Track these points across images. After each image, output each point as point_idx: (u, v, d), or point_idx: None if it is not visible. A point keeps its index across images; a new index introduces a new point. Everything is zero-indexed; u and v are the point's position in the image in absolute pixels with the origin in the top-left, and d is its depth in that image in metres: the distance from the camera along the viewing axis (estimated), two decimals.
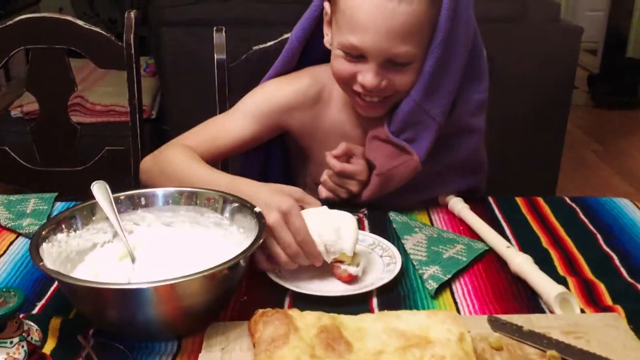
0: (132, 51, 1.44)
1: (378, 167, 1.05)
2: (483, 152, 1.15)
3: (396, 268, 0.88)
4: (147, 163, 1.09)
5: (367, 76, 0.97)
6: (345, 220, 0.87)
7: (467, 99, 1.05)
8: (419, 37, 0.95)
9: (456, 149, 1.08)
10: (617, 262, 0.92)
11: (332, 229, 0.85)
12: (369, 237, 0.97)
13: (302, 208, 0.87)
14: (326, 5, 1.04)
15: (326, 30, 1.06)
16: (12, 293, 0.65)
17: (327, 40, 1.06)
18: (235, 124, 1.10)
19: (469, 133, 1.09)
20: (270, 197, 0.86)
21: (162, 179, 1.02)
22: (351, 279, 0.87)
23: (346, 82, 1.01)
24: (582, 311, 0.81)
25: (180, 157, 1.03)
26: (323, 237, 0.85)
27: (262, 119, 1.10)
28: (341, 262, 0.87)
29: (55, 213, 1.06)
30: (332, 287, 0.86)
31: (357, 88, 1.01)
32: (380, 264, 0.91)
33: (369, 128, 1.08)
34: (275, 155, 1.25)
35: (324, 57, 1.08)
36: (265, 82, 1.16)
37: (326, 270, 0.89)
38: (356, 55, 0.97)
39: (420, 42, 0.96)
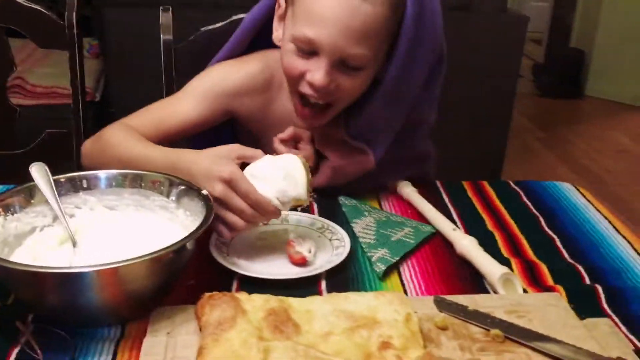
0: (75, 31, 1.39)
1: (331, 161, 1.03)
2: (429, 141, 1.17)
3: (345, 251, 0.88)
4: (87, 146, 1.06)
5: (317, 74, 0.92)
6: (292, 164, 0.85)
7: (423, 98, 1.06)
8: (376, 41, 0.93)
9: (407, 142, 1.09)
10: (558, 244, 0.95)
11: (280, 178, 0.84)
12: (318, 221, 0.97)
13: (247, 164, 0.86)
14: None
15: (276, 25, 1.03)
16: None
17: (276, 36, 1.03)
18: (182, 106, 1.07)
19: (420, 126, 1.10)
20: (210, 168, 0.84)
21: (102, 159, 0.99)
22: (302, 262, 0.86)
23: (294, 79, 0.97)
24: (525, 291, 0.82)
25: (119, 134, 1.01)
26: (273, 190, 0.84)
27: (210, 102, 1.07)
28: (297, 206, 0.87)
29: None
30: (280, 271, 0.86)
31: (303, 88, 0.96)
32: (330, 247, 0.91)
33: (321, 129, 1.05)
34: (223, 140, 1.22)
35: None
36: (214, 65, 1.13)
37: (275, 253, 0.89)
38: (308, 50, 0.93)
39: (376, 48, 0.93)
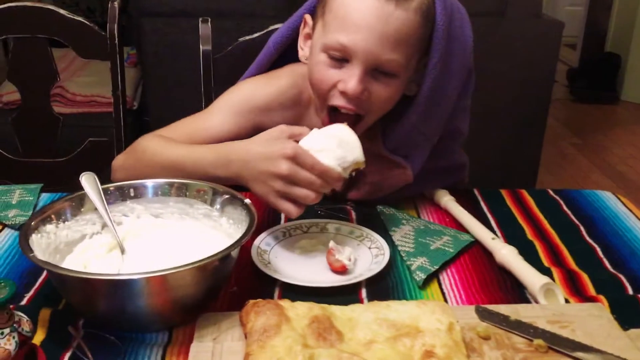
0: (116, 41, 1.43)
1: (369, 177, 1.04)
2: (462, 151, 1.19)
3: (384, 259, 0.89)
4: (120, 161, 1.05)
5: (350, 82, 0.92)
6: (341, 131, 0.89)
7: (457, 107, 1.06)
8: (408, 48, 0.93)
9: (443, 153, 1.10)
10: (600, 253, 0.94)
11: (335, 146, 0.88)
12: (357, 229, 0.98)
13: (296, 141, 0.89)
14: (307, 17, 1.03)
15: (302, 44, 1.04)
16: (2, 284, 0.65)
17: (302, 55, 1.04)
18: (212, 121, 1.07)
19: (455, 137, 1.11)
20: (269, 149, 0.87)
21: (140, 169, 0.99)
22: (343, 270, 0.87)
23: (326, 91, 0.97)
24: (567, 301, 0.82)
25: (157, 143, 1.01)
26: (334, 158, 0.87)
27: (241, 117, 1.07)
28: (356, 172, 0.90)
29: (40, 204, 1.05)
30: (321, 278, 0.87)
31: (335, 100, 0.96)
32: (369, 255, 0.92)
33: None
34: None
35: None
36: (244, 80, 1.14)
37: (315, 261, 0.90)
38: (341, 58, 0.93)
39: (408, 55, 0.94)
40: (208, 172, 0.93)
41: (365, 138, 1.02)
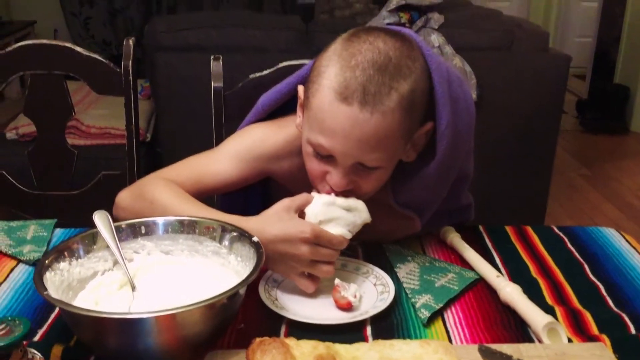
0: (130, 78, 1.46)
1: (378, 226, 1.02)
2: (468, 192, 1.20)
3: (389, 297, 0.90)
4: (127, 200, 1.04)
5: (334, 177, 0.93)
6: (345, 198, 0.93)
7: (466, 156, 1.08)
8: (391, 143, 0.91)
9: (450, 197, 1.10)
10: (603, 291, 0.95)
11: (344, 213, 0.92)
12: (362, 266, 0.99)
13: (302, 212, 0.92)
14: (300, 89, 1.00)
15: (299, 112, 1.01)
16: (17, 322, 0.67)
17: (298, 123, 1.02)
18: (220, 166, 1.08)
19: (463, 181, 1.12)
20: (285, 231, 0.89)
21: (146, 216, 0.96)
22: (348, 307, 0.89)
23: (316, 179, 0.97)
24: (570, 340, 0.83)
25: (167, 193, 1.00)
26: (344, 226, 0.91)
27: (249, 164, 1.08)
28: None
29: (54, 239, 1.08)
30: (327, 315, 0.88)
31: (325, 187, 0.96)
32: (374, 292, 0.94)
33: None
34: (255, 191, 1.21)
35: None
36: (251, 127, 1.13)
37: (321, 297, 0.92)
38: (325, 155, 0.93)
39: (392, 148, 0.93)
40: None
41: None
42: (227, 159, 1.08)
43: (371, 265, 0.99)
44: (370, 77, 0.87)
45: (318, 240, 0.89)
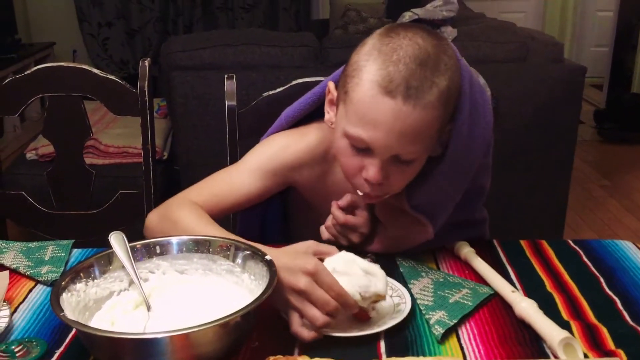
0: (146, 98, 1.48)
1: (390, 231, 1.05)
2: (483, 207, 1.20)
3: (406, 308, 0.91)
4: (154, 221, 1.08)
5: (370, 171, 0.95)
6: (368, 264, 0.90)
7: (480, 166, 1.08)
8: (429, 137, 0.95)
9: (464, 209, 1.11)
10: (619, 305, 0.94)
11: (361, 273, 0.87)
12: None
13: (322, 260, 0.88)
14: (331, 85, 1.04)
15: (327, 108, 1.05)
16: (34, 343, 0.68)
17: (328, 118, 1.05)
18: (242, 181, 1.10)
19: (478, 193, 1.13)
20: (292, 262, 0.86)
21: (173, 234, 0.99)
22: (365, 317, 0.90)
23: (351, 175, 1.00)
24: (586, 356, 0.82)
25: (191, 217, 1.03)
26: (355, 285, 0.87)
27: (270, 176, 1.10)
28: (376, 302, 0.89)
29: (72, 260, 1.09)
30: (343, 325, 0.89)
31: (359, 181, 0.99)
32: (391, 303, 0.94)
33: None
34: (274, 202, 1.23)
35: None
36: (271, 137, 1.16)
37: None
38: (362, 148, 0.95)
39: (428, 143, 0.96)
40: None
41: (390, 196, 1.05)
42: (249, 172, 1.10)
43: (389, 278, 0.99)
44: (412, 72, 0.90)
45: (319, 277, 0.84)
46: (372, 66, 0.92)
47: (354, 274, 0.87)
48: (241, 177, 1.10)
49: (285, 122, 1.17)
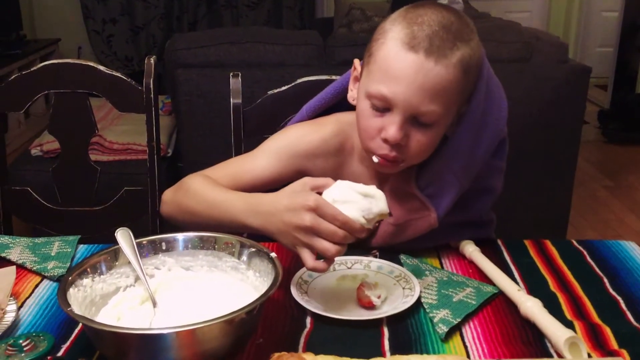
0: (152, 95, 1.49)
1: (394, 218, 1.07)
2: (491, 210, 1.21)
3: (412, 300, 0.93)
4: (169, 194, 1.13)
5: (390, 129, 0.97)
6: (366, 186, 0.92)
7: (491, 165, 1.10)
8: (447, 100, 0.97)
9: (471, 207, 1.12)
10: (623, 305, 0.95)
11: (360, 197, 0.90)
12: (397, 269, 1.02)
13: (320, 193, 0.91)
14: (356, 62, 1.08)
15: (351, 86, 1.10)
16: (41, 337, 0.69)
17: (350, 95, 1.09)
18: (257, 163, 1.13)
19: (486, 194, 1.13)
20: (292, 201, 0.89)
21: (184, 205, 1.07)
22: (369, 305, 0.93)
23: (370, 137, 1.01)
24: (589, 355, 0.83)
25: (200, 183, 1.07)
26: (358, 210, 0.89)
27: (285, 162, 1.12)
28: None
29: (78, 256, 1.10)
30: (348, 312, 0.92)
31: (377, 146, 1.01)
32: (401, 295, 0.96)
33: (386, 182, 1.10)
34: None
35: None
36: (290, 126, 1.19)
37: (349, 295, 0.96)
38: (382, 107, 0.98)
39: (446, 106, 0.98)
40: (238, 219, 0.98)
41: (399, 176, 1.07)
42: (264, 156, 1.13)
43: (405, 270, 1.02)
44: (435, 32, 0.94)
45: (321, 211, 0.87)
46: (396, 27, 0.97)
47: (353, 200, 0.89)
48: (257, 159, 1.13)
49: (307, 114, 1.20)
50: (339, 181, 0.93)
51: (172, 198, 1.12)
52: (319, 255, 0.89)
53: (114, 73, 1.50)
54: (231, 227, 0.99)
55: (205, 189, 1.06)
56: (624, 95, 4.56)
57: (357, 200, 0.90)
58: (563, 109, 2.46)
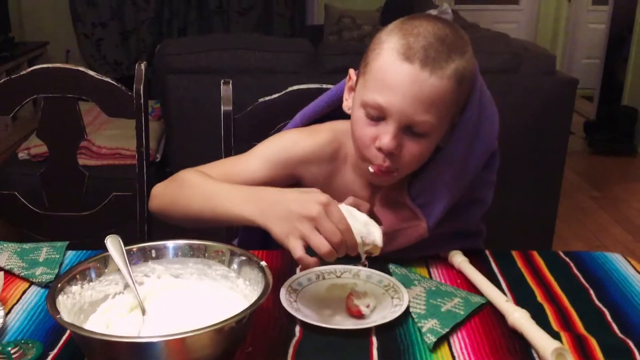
0: (142, 101, 1.49)
1: (385, 227, 1.07)
2: (481, 222, 1.22)
3: (400, 309, 0.93)
4: (159, 188, 1.12)
5: (384, 138, 0.99)
6: (366, 216, 0.93)
7: (482, 177, 1.11)
8: (441, 111, 0.99)
9: (461, 218, 1.13)
10: (608, 317, 0.96)
11: (362, 222, 0.91)
12: (386, 279, 1.03)
13: None
14: (351, 72, 1.10)
15: (346, 95, 1.11)
16: (29, 344, 0.69)
17: (345, 105, 1.11)
18: (250, 166, 1.12)
19: (477, 205, 1.14)
20: (303, 195, 0.90)
21: (179, 197, 1.06)
22: (358, 314, 0.93)
23: (364, 145, 1.02)
24: None
25: (198, 176, 1.07)
26: (356, 229, 0.90)
27: (278, 166, 1.12)
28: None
29: (66, 262, 1.09)
30: (337, 321, 0.92)
31: (371, 155, 1.02)
32: (390, 305, 0.96)
33: (378, 190, 1.12)
34: None
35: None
36: (284, 131, 1.20)
37: (338, 304, 0.96)
38: (377, 116, 0.99)
39: (440, 117, 0.99)
40: (233, 210, 0.96)
41: (391, 185, 1.08)
42: (258, 160, 1.13)
43: (394, 280, 1.02)
44: (431, 44, 0.96)
45: (329, 209, 0.88)
46: (393, 38, 0.98)
47: (355, 219, 0.91)
48: (250, 162, 1.13)
49: (300, 120, 1.20)
50: (343, 205, 0.94)
51: (164, 191, 1.11)
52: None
53: (104, 78, 1.49)
54: (225, 220, 0.99)
55: (201, 181, 1.05)
56: (610, 106, 4.61)
57: (355, 226, 0.91)
58: (550, 120, 2.48)
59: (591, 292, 1.03)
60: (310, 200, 0.89)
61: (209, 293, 0.91)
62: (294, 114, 1.25)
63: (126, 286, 0.90)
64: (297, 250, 0.88)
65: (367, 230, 0.91)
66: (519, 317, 0.92)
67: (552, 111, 2.47)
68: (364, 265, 1.08)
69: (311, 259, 0.88)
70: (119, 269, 0.88)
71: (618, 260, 1.13)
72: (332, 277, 1.04)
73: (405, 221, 1.09)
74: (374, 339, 0.89)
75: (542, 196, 2.59)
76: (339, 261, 0.99)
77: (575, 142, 4.34)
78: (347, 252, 0.89)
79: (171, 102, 2.39)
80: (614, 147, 4.35)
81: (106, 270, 0.89)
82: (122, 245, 0.90)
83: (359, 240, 0.90)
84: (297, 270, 1.05)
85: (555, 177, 2.59)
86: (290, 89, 1.42)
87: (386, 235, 1.08)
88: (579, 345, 0.88)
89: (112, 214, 1.56)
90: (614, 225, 3.26)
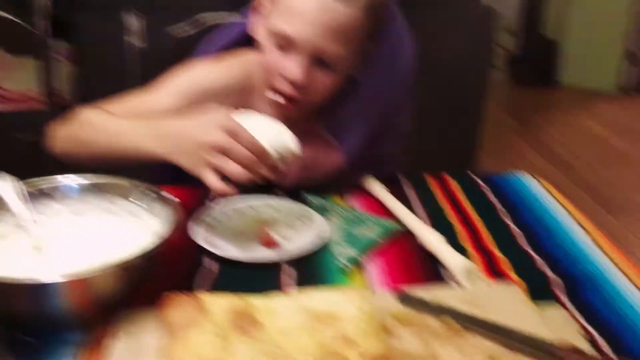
0: (44, 37, 1.40)
1: (302, 159, 1.06)
2: (398, 147, 1.23)
3: (317, 238, 0.93)
4: (60, 130, 1.06)
5: (293, 69, 0.97)
6: (277, 124, 0.91)
7: (398, 107, 1.12)
8: (352, 42, 0.97)
9: (378, 147, 1.14)
10: (519, 236, 0.98)
11: (273, 133, 0.88)
12: (301, 208, 1.01)
13: None
14: None
15: (253, 18, 1.06)
16: None
17: (251, 28, 1.06)
18: (158, 99, 1.07)
19: (393, 135, 1.15)
20: (208, 119, 0.86)
21: (80, 137, 1.01)
22: (271, 245, 0.92)
23: (272, 74, 1.00)
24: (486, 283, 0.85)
25: (95, 114, 1.02)
26: (268, 140, 0.86)
27: (186, 99, 1.07)
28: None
29: None
30: (251, 253, 0.90)
31: (279, 84, 0.99)
32: (306, 234, 0.95)
33: (291, 123, 1.09)
34: None
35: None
36: (193, 62, 1.14)
37: (251, 234, 0.95)
38: (285, 45, 0.97)
39: (351, 47, 0.98)
40: (141, 147, 0.92)
41: (307, 118, 1.06)
42: (166, 92, 1.07)
43: (309, 209, 1.01)
44: None
45: (237, 133, 0.83)
46: None
47: (265, 131, 0.87)
48: (158, 95, 1.07)
49: (211, 50, 1.15)
50: (251, 113, 0.91)
51: (66, 132, 1.05)
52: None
53: (3, 14, 1.40)
54: (135, 157, 0.94)
55: (103, 119, 1.00)
56: (533, 39, 4.69)
57: (270, 135, 0.87)
58: (471, 52, 2.50)
59: (501, 211, 1.05)
60: (213, 125, 0.84)
61: (114, 230, 0.86)
62: (208, 42, 1.19)
63: (20, 226, 0.84)
64: (212, 181, 0.84)
65: (280, 140, 0.88)
66: (431, 239, 0.93)
67: (475, 42, 2.49)
68: (279, 195, 1.07)
69: (228, 188, 0.84)
70: (10, 208, 0.82)
71: (530, 181, 1.16)
72: (246, 209, 1.02)
73: (320, 152, 1.07)
74: (290, 268, 0.88)
75: (464, 127, 2.63)
76: (254, 192, 0.97)
77: (499, 75, 4.41)
78: (266, 171, 0.86)
79: (82, 41, 2.26)
80: (535, 79, 4.45)
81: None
82: (15, 182, 0.84)
83: (273, 153, 0.86)
84: (211, 203, 1.02)
85: (477, 109, 2.63)
86: (205, 23, 1.36)
87: (302, 169, 1.07)
88: (489, 262, 0.90)
89: (18, 160, 1.48)
90: (533, 153, 3.38)
